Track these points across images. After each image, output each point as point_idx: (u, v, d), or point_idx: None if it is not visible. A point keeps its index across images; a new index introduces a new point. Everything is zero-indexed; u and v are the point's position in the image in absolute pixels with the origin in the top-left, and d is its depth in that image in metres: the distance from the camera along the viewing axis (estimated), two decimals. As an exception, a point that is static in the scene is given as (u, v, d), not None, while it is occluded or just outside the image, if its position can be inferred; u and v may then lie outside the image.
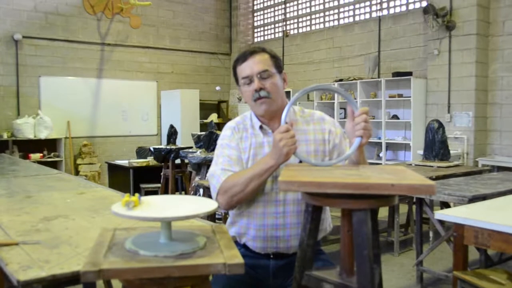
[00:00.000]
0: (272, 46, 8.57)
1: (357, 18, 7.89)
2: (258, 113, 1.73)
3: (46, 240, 1.46)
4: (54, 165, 7.21)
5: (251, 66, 1.67)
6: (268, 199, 1.68)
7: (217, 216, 4.27)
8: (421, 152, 4.87)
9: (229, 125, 1.82)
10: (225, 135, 1.78)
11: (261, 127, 1.75)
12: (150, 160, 6.29)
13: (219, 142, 1.79)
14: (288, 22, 9.25)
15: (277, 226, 1.68)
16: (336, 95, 7.38)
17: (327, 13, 8.47)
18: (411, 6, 7.05)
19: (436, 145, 4.48)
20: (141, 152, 6.93)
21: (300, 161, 1.69)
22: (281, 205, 1.68)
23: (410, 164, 4.66)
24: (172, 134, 6.07)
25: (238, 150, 1.72)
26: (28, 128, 7.40)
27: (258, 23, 10.10)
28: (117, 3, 8.43)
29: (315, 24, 8.70)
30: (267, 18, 9.87)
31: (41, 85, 7.85)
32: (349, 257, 1.27)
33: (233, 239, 1.54)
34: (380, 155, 6.90)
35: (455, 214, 2.22)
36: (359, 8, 7.86)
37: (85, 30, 8.27)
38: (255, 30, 10.17)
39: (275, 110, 1.70)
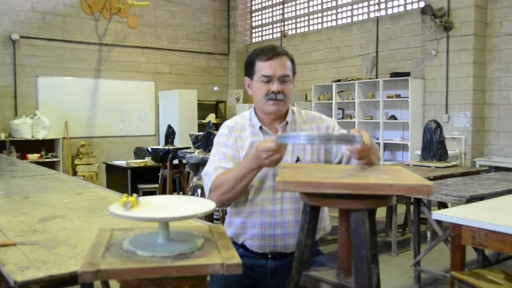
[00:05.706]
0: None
1: (355, 19, 7.90)
2: (267, 111, 1.74)
3: (43, 241, 1.46)
4: (52, 165, 7.19)
5: (275, 68, 1.70)
6: (266, 197, 1.69)
7: (215, 217, 4.27)
8: (419, 152, 4.87)
9: (227, 123, 1.83)
10: (222, 133, 1.80)
11: (260, 128, 1.76)
12: (148, 161, 6.28)
13: (215, 140, 1.81)
14: (286, 23, 9.26)
15: (275, 224, 1.68)
16: (334, 94, 7.38)
17: (325, 13, 8.47)
18: (409, 7, 7.06)
19: (434, 145, 4.49)
20: (139, 153, 6.92)
21: (297, 161, 1.70)
22: (279, 203, 1.69)
23: (408, 165, 4.67)
24: (170, 134, 6.06)
25: (234, 149, 1.74)
26: (25, 128, 7.38)
27: (256, 23, 10.10)
28: (115, 3, 8.41)
29: (313, 24, 8.70)
30: (265, 18, 9.87)
31: (39, 85, 7.84)
32: (347, 257, 1.27)
33: (231, 239, 1.54)
34: (378, 155, 6.89)
35: (453, 214, 2.23)
36: (357, 8, 7.87)
37: (83, 30, 8.25)
38: (253, 31, 10.17)
39: (283, 112, 1.76)
